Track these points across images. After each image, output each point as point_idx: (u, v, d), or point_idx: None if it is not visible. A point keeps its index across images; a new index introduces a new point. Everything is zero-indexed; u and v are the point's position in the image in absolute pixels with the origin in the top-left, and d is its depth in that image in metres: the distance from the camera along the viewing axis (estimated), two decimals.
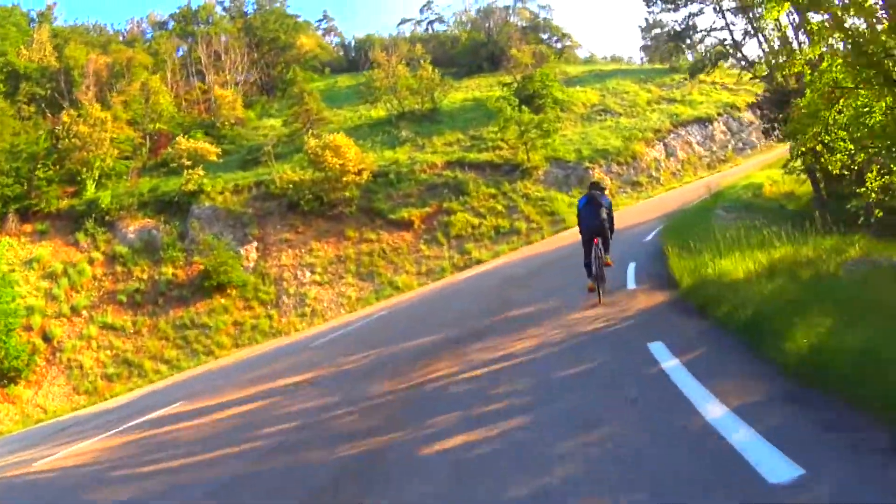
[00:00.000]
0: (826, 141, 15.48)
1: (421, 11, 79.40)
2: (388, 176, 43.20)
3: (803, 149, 17.58)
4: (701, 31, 27.50)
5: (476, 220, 39.57)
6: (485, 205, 40.65)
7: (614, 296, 12.20)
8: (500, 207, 40.47)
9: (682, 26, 27.72)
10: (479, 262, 35.90)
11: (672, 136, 49.85)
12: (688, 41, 28.19)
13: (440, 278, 35.19)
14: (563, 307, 12.59)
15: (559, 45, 73.65)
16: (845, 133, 15.21)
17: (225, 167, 46.43)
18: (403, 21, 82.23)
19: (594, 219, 12.47)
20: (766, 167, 37.21)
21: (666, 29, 71.78)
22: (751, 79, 27.08)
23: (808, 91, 15.27)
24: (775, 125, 25.45)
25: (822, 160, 16.59)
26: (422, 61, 54.04)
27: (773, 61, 25.10)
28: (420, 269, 37.08)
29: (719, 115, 53.61)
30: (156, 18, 75.01)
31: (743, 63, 26.49)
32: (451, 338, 12.53)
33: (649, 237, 21.76)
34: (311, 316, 35.65)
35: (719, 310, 8.46)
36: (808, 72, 15.38)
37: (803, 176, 25.94)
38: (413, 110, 52.52)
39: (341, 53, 79.04)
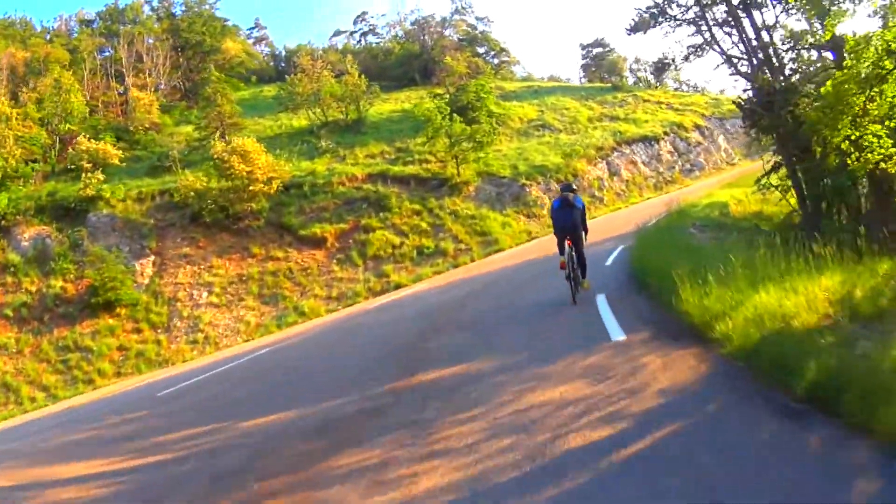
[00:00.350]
0: (854, 137, 11.48)
1: (355, 22, 73.32)
2: (303, 187, 37.76)
3: (819, 149, 13.78)
4: (672, 18, 22.86)
5: (397, 239, 34.26)
6: (408, 222, 35.39)
7: (599, 352, 7.44)
8: (424, 225, 35.20)
9: (653, 11, 23.20)
10: (398, 286, 30.51)
11: (616, 154, 45.37)
12: (658, 26, 23.55)
13: (352, 304, 29.70)
14: (510, 370, 7.63)
15: (496, 61, 68.81)
16: (879, 126, 11.20)
17: (133, 173, 40.88)
18: (337, 33, 75.71)
19: (567, 220, 12.37)
20: (726, 186, 33.13)
21: (599, 50, 69.33)
22: (731, 74, 22.61)
23: (847, 61, 11.21)
24: (758, 130, 21.24)
25: (851, 160, 12.22)
26: (349, 66, 48.73)
27: (755, 60, 20.90)
28: (331, 292, 31.57)
29: (666, 134, 49.50)
30: (84, 16, 69.04)
31: (722, 58, 22.03)
32: (316, 425, 7.66)
33: (610, 261, 17.13)
34: (204, 343, 30.03)
35: None
36: (851, 40, 11.38)
37: (776, 194, 21.92)
38: (337, 120, 47.34)
39: (271, 64, 72.93)
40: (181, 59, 62.19)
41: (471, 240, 34.17)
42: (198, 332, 30.70)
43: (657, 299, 9.51)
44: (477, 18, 69.49)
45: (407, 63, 63.20)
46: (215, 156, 36.10)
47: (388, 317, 19.35)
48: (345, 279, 32.22)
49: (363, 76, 47.93)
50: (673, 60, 24.87)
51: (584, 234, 12.59)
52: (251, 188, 34.83)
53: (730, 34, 22.15)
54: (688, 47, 23.05)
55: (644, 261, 12.99)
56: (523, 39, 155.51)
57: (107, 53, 60.38)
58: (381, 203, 36.29)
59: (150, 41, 60.68)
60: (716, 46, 21.71)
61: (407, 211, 35.98)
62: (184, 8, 68.72)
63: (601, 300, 10.80)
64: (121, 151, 41.86)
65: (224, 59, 64.53)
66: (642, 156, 46.52)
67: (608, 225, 28.26)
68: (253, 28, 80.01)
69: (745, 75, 21.05)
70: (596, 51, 70.33)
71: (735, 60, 21.30)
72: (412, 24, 69.80)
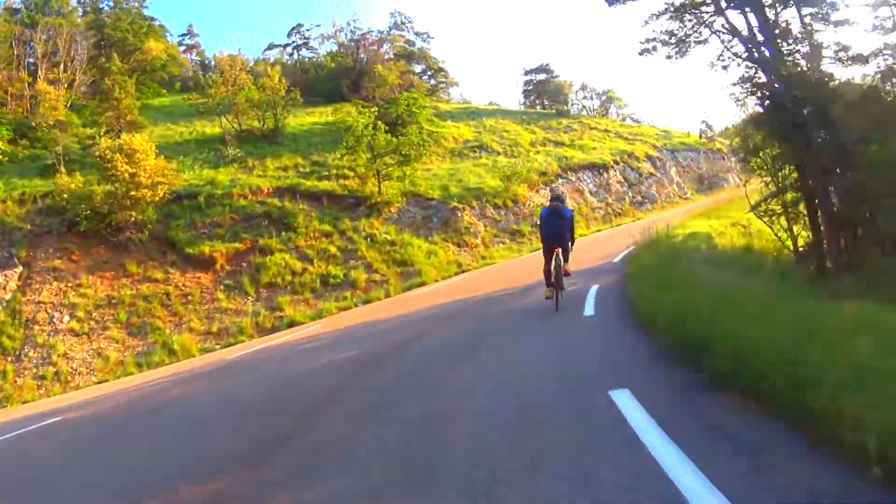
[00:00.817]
0: None
1: (289, 35, 66.23)
2: (198, 198, 31.09)
3: None
4: None
5: (299, 265, 27.78)
6: (314, 245, 28.95)
7: None
8: (333, 250, 28.77)
9: None
10: (292, 323, 24.15)
11: (561, 181, 39.74)
12: None
13: (233, 344, 23.30)
14: None
15: (433, 82, 61.88)
16: None
17: (25, 172, 34.05)
18: (271, 46, 68.20)
19: (556, 229, 12.06)
20: (697, 216, 27.99)
21: (542, 77, 63.60)
22: (745, 58, 17.30)
23: None
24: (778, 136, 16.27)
25: None
26: (268, 69, 42.41)
27: (779, 45, 15.80)
28: (211, 326, 24.95)
29: (616, 163, 44.25)
30: (12, 4, 61.80)
31: (732, 39, 16.81)
32: None
33: (591, 308, 11.30)
34: (53, 380, 23.32)
35: None
36: None
37: (758, 228, 17.40)
38: (253, 129, 40.79)
39: (199, 73, 64.83)
40: (104, 58, 55.41)
41: (388, 270, 28.09)
42: (49, 366, 24.16)
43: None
44: (416, 34, 63.00)
45: (338, 78, 56.06)
46: (98, 154, 29.82)
47: (225, 389, 12.65)
48: (231, 311, 25.85)
49: (283, 79, 41.42)
50: (672, 37, 18.92)
51: (570, 244, 12.36)
52: (133, 193, 28.50)
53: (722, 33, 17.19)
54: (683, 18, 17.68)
55: (669, 311, 7.52)
56: (464, 65, 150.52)
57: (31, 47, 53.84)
58: (286, 221, 29.93)
59: (77, 34, 54.05)
60: (720, 20, 16.46)
61: (315, 232, 29.69)
62: (112, 4, 61.89)
63: (645, 423, 4.80)
64: (1, 144, 35.37)
65: (146, 59, 57.55)
66: (589, 184, 41.28)
67: None
68: (185, 35, 72.30)
69: (762, 63, 15.78)
70: (539, 77, 64.73)
71: (750, 46, 16.07)
72: (348, 37, 62.80)
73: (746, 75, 16.96)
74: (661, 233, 20.26)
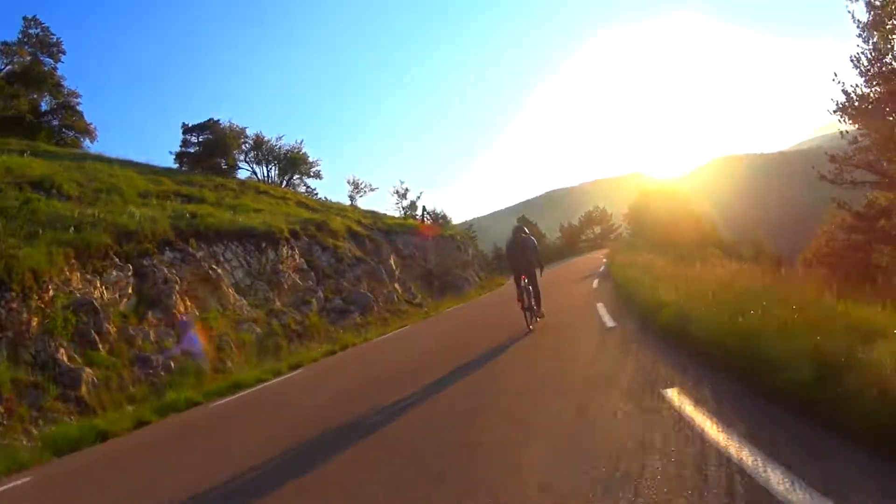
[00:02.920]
0: None
1: None
2: None
3: None
4: None
5: None
6: None
7: None
8: None
9: None
10: None
11: (171, 255, 18.25)
12: None
13: None
14: None
15: (56, 121, 36.93)
16: None
17: None
18: None
19: (522, 257, 12.25)
20: None
21: (209, 137, 42.72)
22: None
23: None
24: None
25: None
26: None
27: None
28: None
29: (295, 236, 24.30)
30: None
31: None
32: None
33: None
34: None
35: None
36: None
37: None
38: None
39: None
40: None
41: None
42: None
43: None
44: (41, 44, 36.97)
45: None
46: None
47: None
48: None
49: None
50: None
51: (539, 270, 12.36)
52: None
53: None
54: None
55: None
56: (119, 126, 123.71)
57: None
58: None
59: None
60: None
61: None
62: None
63: None
64: None
65: None
66: (238, 270, 20.49)
67: None
68: None
69: None
70: (205, 136, 43.27)
71: None
72: None
73: None
74: None
